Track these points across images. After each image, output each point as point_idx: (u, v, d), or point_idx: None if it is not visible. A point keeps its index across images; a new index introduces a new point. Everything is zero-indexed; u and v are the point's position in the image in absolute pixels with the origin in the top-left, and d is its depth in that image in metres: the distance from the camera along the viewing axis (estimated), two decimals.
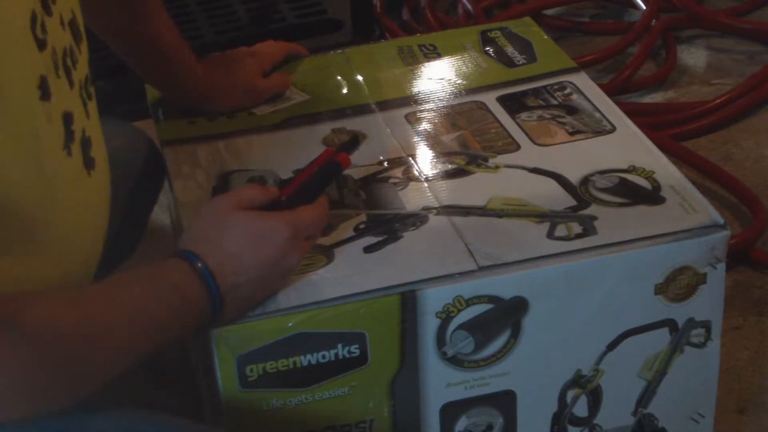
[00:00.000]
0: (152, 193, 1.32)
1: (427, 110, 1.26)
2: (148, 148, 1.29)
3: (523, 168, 1.14)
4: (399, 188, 1.12)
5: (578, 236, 1.04)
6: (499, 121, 1.22)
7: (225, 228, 0.95)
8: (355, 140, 1.13)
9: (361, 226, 1.06)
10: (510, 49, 1.37)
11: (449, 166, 1.15)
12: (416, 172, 1.14)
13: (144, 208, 1.33)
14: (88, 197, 0.95)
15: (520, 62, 1.35)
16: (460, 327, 1.00)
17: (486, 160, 1.16)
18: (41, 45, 0.84)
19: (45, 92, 0.84)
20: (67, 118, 0.89)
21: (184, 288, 0.91)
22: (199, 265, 0.92)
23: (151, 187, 1.30)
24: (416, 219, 1.07)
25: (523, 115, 1.23)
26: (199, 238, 0.95)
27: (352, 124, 1.23)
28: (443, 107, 1.26)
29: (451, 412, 1.05)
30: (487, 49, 1.38)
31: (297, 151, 1.18)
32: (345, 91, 1.31)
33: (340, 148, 1.08)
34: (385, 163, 1.16)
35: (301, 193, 1.02)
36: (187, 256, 0.92)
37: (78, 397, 0.84)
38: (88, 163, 0.94)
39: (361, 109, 1.26)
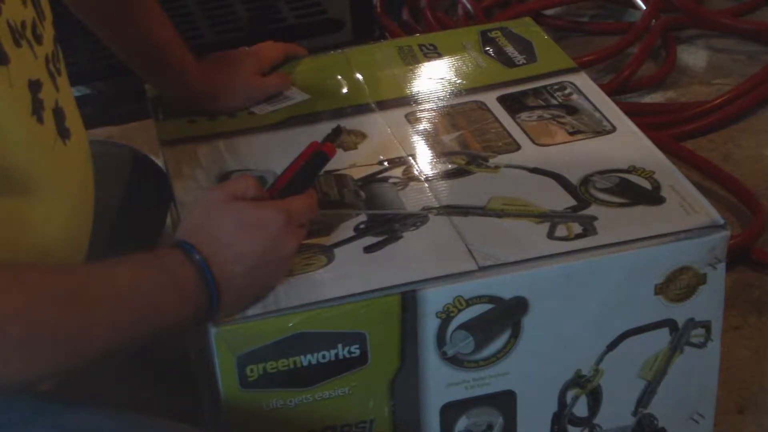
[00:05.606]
0: (148, 209, 1.31)
1: (427, 110, 1.26)
2: (132, 158, 1.29)
3: (523, 168, 1.14)
4: (399, 188, 1.12)
5: (578, 236, 1.04)
6: (499, 121, 1.22)
7: (219, 218, 0.95)
8: (338, 130, 1.11)
9: (361, 226, 1.06)
10: (510, 49, 1.37)
11: (449, 166, 1.15)
12: (416, 172, 1.14)
13: (141, 222, 1.31)
14: (66, 164, 0.95)
15: (520, 62, 1.35)
16: (460, 327, 1.00)
17: (486, 160, 1.16)
18: None
19: (2, 56, 0.85)
20: (34, 86, 0.90)
21: (179, 277, 0.91)
22: (196, 256, 0.92)
23: (149, 205, 1.29)
24: (416, 219, 1.07)
25: (523, 115, 1.23)
26: (194, 229, 0.95)
27: (351, 123, 1.23)
28: (443, 107, 1.26)
29: (451, 412, 1.05)
30: (487, 49, 1.38)
31: (297, 151, 1.17)
32: (345, 90, 1.31)
33: (324, 139, 1.09)
34: (385, 163, 1.16)
35: (291, 186, 1.03)
36: (182, 246, 0.93)
37: (64, 369, 0.84)
38: (63, 133, 0.95)
39: (361, 109, 1.26)
